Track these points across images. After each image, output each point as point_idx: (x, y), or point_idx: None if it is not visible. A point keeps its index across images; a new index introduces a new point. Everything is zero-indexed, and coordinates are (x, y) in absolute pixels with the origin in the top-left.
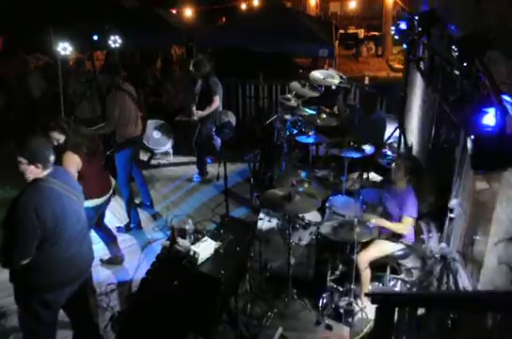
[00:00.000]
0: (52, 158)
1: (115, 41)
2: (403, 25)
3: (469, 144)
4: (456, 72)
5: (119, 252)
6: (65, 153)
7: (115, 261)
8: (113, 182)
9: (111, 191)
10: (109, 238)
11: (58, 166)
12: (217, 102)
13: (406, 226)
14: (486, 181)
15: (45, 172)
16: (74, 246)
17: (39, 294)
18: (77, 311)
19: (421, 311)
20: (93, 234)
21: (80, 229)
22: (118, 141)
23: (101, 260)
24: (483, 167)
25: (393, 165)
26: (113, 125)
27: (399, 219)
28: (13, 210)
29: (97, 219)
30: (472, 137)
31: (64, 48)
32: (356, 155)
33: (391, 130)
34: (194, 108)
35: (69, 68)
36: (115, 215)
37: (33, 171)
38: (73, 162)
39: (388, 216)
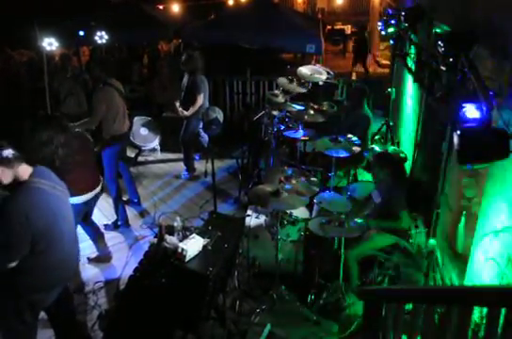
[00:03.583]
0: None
1: (101, 37)
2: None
3: (455, 139)
4: (443, 68)
5: (106, 250)
6: None
7: (102, 259)
8: (101, 179)
9: (99, 187)
10: (97, 235)
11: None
12: (201, 100)
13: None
14: (472, 176)
15: (28, 172)
16: (67, 246)
17: (27, 294)
18: (63, 310)
19: (408, 306)
20: (80, 232)
21: (69, 227)
22: (104, 137)
23: (88, 258)
24: (469, 162)
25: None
26: (97, 121)
27: (389, 215)
28: (2, 215)
29: (85, 216)
30: (459, 132)
31: (50, 43)
32: (342, 154)
33: (377, 126)
34: (178, 104)
35: (54, 63)
36: (102, 212)
37: (4, 172)
38: None
39: (377, 212)
